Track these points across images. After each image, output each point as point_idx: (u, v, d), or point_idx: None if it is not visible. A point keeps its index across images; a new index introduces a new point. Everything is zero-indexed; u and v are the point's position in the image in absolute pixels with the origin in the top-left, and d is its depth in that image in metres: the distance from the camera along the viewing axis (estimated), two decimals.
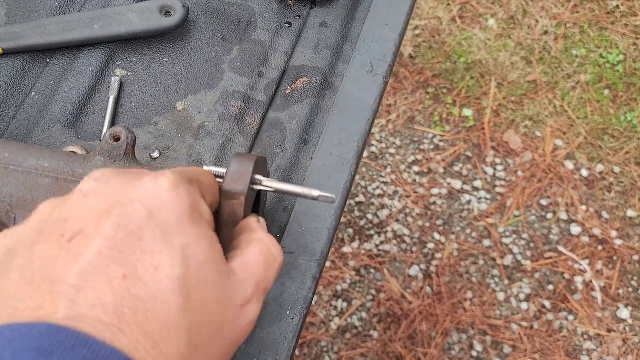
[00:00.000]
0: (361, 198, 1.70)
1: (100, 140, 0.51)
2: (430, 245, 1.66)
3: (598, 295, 1.63)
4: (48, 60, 0.55)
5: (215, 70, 0.57)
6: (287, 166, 0.53)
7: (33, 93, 0.54)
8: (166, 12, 0.56)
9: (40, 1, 0.57)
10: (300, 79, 0.57)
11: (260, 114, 0.55)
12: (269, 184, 0.38)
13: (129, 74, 0.56)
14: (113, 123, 0.53)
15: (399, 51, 0.59)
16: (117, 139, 0.42)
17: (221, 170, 0.38)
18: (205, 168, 0.38)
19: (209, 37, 0.58)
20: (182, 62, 0.57)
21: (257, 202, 0.44)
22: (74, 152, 0.49)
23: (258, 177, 0.38)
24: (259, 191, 0.41)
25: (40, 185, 0.40)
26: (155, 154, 0.53)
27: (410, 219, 1.69)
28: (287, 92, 0.56)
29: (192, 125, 0.54)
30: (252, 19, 0.59)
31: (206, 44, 0.57)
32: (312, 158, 0.54)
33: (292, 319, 0.47)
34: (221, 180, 0.37)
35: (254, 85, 0.56)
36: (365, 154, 1.75)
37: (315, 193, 0.38)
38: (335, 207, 0.52)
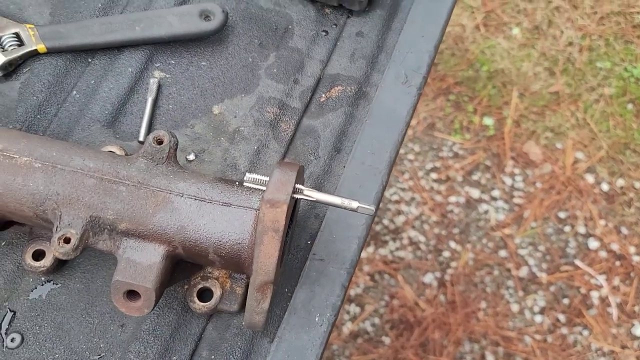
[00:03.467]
0: None
1: (139, 141, 0.52)
2: (446, 254, 1.67)
3: (614, 311, 1.63)
4: (90, 60, 0.57)
5: (251, 75, 0.58)
6: (319, 174, 0.55)
7: (74, 92, 0.55)
8: (206, 16, 0.57)
9: (84, 2, 0.58)
10: (335, 88, 0.58)
11: (294, 120, 0.56)
12: (309, 193, 0.39)
13: (167, 76, 0.57)
14: (151, 124, 0.54)
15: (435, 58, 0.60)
16: (160, 142, 0.44)
17: (263, 178, 0.39)
18: (248, 176, 0.39)
19: (246, 42, 0.59)
20: (220, 67, 0.58)
21: (292, 210, 0.46)
22: (113, 151, 0.50)
23: (299, 186, 0.39)
24: (297, 199, 0.42)
25: (85, 185, 0.41)
26: (191, 157, 0.54)
27: (426, 226, 1.69)
28: (321, 100, 0.57)
29: (227, 129, 0.55)
30: (290, 26, 0.60)
31: (243, 49, 0.59)
32: (344, 166, 0.55)
33: (321, 325, 0.49)
34: (264, 188, 0.38)
35: (289, 92, 0.57)
36: None
37: (355, 205, 0.39)
38: (366, 216, 0.53)
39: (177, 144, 0.44)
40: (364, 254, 1.65)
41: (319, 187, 0.54)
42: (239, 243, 0.41)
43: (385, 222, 1.69)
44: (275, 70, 0.58)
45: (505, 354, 1.58)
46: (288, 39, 0.59)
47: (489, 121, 1.81)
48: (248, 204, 0.41)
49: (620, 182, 1.76)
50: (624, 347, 1.60)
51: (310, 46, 0.59)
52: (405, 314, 1.60)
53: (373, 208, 0.39)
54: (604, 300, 1.64)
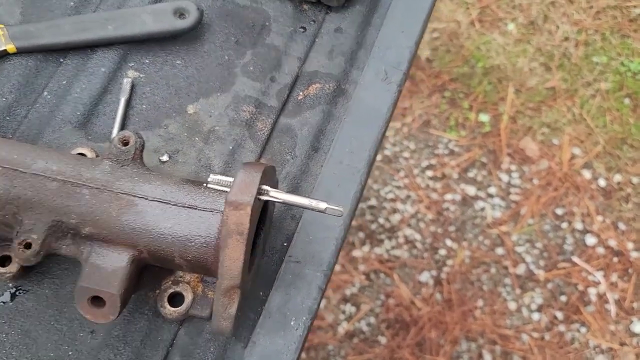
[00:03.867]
0: (373, 202, 1.69)
1: (110, 143, 0.51)
2: (442, 252, 1.65)
3: (612, 307, 1.61)
4: (61, 60, 0.55)
5: (227, 74, 0.56)
6: (296, 173, 0.53)
7: (45, 93, 0.54)
8: (180, 14, 0.56)
9: (56, 0, 0.57)
10: (313, 85, 0.56)
11: (271, 119, 0.55)
12: (276, 195, 0.38)
13: (141, 75, 0.56)
14: (123, 125, 0.53)
15: (416, 54, 0.59)
16: (125, 143, 0.42)
17: (228, 179, 0.38)
18: (212, 177, 0.38)
19: (222, 40, 0.58)
20: (195, 65, 0.57)
21: (263, 211, 0.44)
22: (84, 154, 0.49)
23: (265, 187, 0.38)
24: (266, 200, 0.41)
25: (47, 189, 0.40)
26: (165, 158, 0.52)
27: (422, 224, 1.68)
28: (299, 98, 0.56)
29: (202, 129, 0.54)
30: (267, 23, 0.58)
31: (219, 47, 0.57)
32: (322, 166, 0.53)
33: (297, 329, 0.47)
34: (228, 190, 0.37)
35: (266, 90, 0.56)
36: (379, 157, 1.74)
37: (323, 205, 0.38)
38: (344, 217, 0.52)
39: (143, 145, 0.43)
40: (359, 253, 1.63)
41: (296, 187, 0.53)
42: (205, 247, 0.40)
43: (381, 220, 1.68)
44: (251, 68, 0.56)
45: (503, 353, 1.56)
46: (265, 36, 0.58)
47: (484, 118, 1.80)
48: (214, 206, 0.39)
49: (618, 177, 1.74)
50: (622, 344, 1.58)
51: (287, 43, 0.58)
52: (401, 313, 1.59)
53: (341, 209, 0.38)
54: (601, 297, 1.62)
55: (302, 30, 0.58)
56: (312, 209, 0.38)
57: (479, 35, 1.90)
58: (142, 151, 0.42)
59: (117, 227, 0.40)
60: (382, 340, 1.56)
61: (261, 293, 0.49)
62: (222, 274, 0.37)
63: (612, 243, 1.67)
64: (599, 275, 1.64)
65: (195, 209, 0.40)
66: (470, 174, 1.74)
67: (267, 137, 0.54)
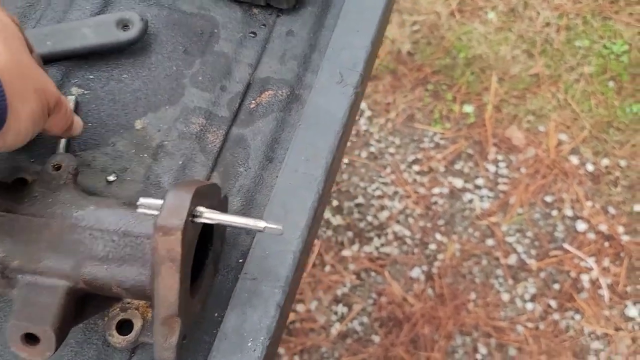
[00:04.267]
0: (360, 199, 1.67)
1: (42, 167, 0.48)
2: (432, 246, 1.63)
3: (605, 293, 1.59)
4: None
5: (176, 85, 0.54)
6: (250, 186, 0.51)
7: None
8: (124, 25, 0.53)
9: None
10: (266, 92, 0.54)
11: (222, 130, 0.52)
12: (210, 216, 0.35)
13: (85, 92, 0.53)
14: (68, 146, 0.50)
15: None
16: (57, 168, 0.40)
17: (157, 203, 0.35)
18: (141, 201, 0.35)
19: (169, 50, 0.55)
20: (142, 78, 0.54)
21: (210, 229, 0.42)
22: (25, 179, 0.46)
23: (199, 208, 0.36)
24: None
25: None
26: (112, 177, 0.50)
27: (411, 220, 1.65)
28: (251, 106, 0.53)
29: (150, 145, 0.51)
30: (215, 30, 0.56)
31: (167, 58, 0.55)
32: (277, 176, 0.51)
33: (254, 350, 0.45)
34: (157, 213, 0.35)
35: (216, 100, 0.53)
36: (364, 154, 1.72)
37: (261, 224, 0.35)
38: (302, 228, 0.49)
39: (76, 169, 0.40)
40: (348, 253, 1.61)
41: (250, 200, 0.50)
42: (142, 274, 0.37)
43: (369, 218, 1.66)
44: (200, 78, 0.54)
45: (498, 345, 1.54)
46: (214, 43, 0.55)
47: (469, 108, 1.77)
48: (149, 231, 0.37)
49: (605, 161, 1.72)
50: (617, 329, 1.56)
51: (237, 49, 0.55)
52: (394, 310, 1.56)
53: (281, 227, 0.35)
54: (594, 283, 1.60)
55: (252, 35, 0.56)
56: (251, 229, 0.36)
57: (459, 26, 1.88)
58: (75, 175, 0.40)
59: (48, 258, 0.37)
60: (376, 339, 1.54)
61: (216, 314, 0.47)
62: (158, 303, 0.35)
63: (603, 228, 1.65)
64: (591, 261, 1.62)
65: (130, 235, 0.37)
66: (457, 166, 1.72)
67: (219, 150, 0.51)
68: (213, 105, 0.53)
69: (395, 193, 1.68)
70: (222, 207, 0.45)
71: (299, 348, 1.51)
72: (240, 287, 0.47)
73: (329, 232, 1.62)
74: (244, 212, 0.50)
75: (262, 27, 0.56)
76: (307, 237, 0.49)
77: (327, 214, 1.64)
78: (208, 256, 0.43)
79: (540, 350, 1.52)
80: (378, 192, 1.68)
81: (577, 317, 1.56)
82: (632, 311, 1.57)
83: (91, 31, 0.53)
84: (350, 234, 1.63)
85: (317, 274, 1.58)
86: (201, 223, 0.36)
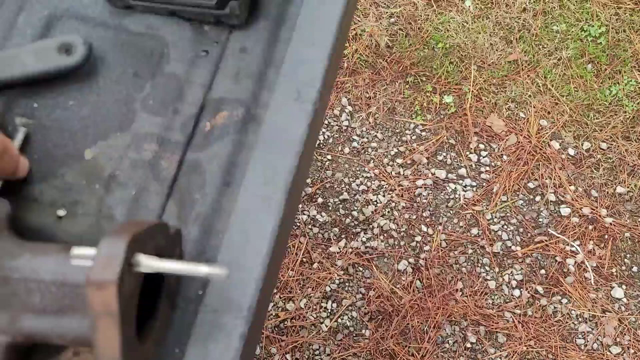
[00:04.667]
0: (345, 195, 1.64)
1: None
2: (418, 238, 1.61)
3: (591, 275, 1.58)
4: None
5: (126, 110, 0.50)
6: (208, 213, 0.48)
7: None
8: (66, 49, 0.50)
9: None
10: (220, 114, 0.51)
11: (177, 156, 0.49)
12: (149, 264, 0.32)
13: (30, 122, 0.50)
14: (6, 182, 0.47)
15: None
16: None
17: (91, 253, 0.32)
18: (74, 252, 0.32)
19: (118, 73, 0.52)
20: (90, 104, 0.51)
21: (159, 275, 0.39)
22: None
23: (138, 257, 0.33)
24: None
25: None
26: (62, 212, 0.47)
27: (396, 213, 1.63)
28: (206, 129, 0.50)
29: (102, 175, 0.48)
30: (165, 50, 0.52)
31: (115, 82, 0.51)
32: (235, 201, 0.48)
33: None
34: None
35: (169, 124, 0.50)
36: (347, 150, 1.69)
37: (204, 270, 0.32)
38: (263, 254, 0.46)
39: (8, 213, 0.37)
40: (335, 249, 1.59)
41: (208, 229, 0.47)
42: (83, 326, 0.34)
43: (355, 213, 1.63)
44: (151, 102, 0.51)
45: (487, 333, 1.53)
46: (164, 64, 0.52)
47: (449, 99, 1.74)
48: (82, 280, 0.34)
49: (586, 144, 1.70)
50: (605, 311, 1.55)
51: (189, 70, 0.52)
52: (383, 304, 1.55)
53: (224, 272, 0.32)
54: (580, 267, 1.58)
55: (204, 53, 0.52)
56: (195, 275, 0.33)
57: (436, 16, 1.84)
58: (8, 220, 0.37)
59: None
60: (367, 333, 1.52)
61: (177, 350, 0.44)
62: (100, 359, 0.32)
63: (587, 211, 1.64)
64: (576, 245, 1.61)
65: (69, 285, 0.34)
66: (440, 157, 1.70)
67: (173, 177, 0.48)
68: (166, 129, 0.50)
69: (380, 187, 1.66)
70: (174, 243, 0.42)
71: (290, 346, 1.49)
72: (201, 321, 0.44)
73: (315, 230, 1.60)
74: (201, 241, 0.47)
75: (215, 44, 0.53)
76: (269, 263, 0.47)
77: (313, 212, 1.61)
78: (162, 292, 0.40)
79: (529, 335, 1.51)
80: (362, 187, 1.65)
81: (564, 301, 1.55)
82: (618, 292, 1.55)
83: (32, 58, 0.49)
84: (336, 230, 1.61)
85: (305, 271, 1.56)
86: (140, 274, 0.34)
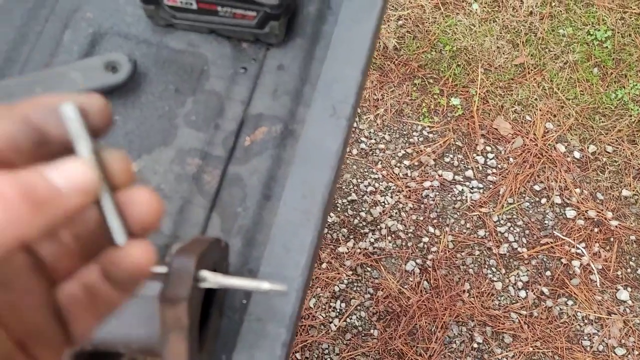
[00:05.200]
0: (353, 196, 1.67)
1: None
2: (425, 239, 1.64)
3: (596, 278, 1.61)
4: None
5: (169, 125, 0.53)
6: (249, 226, 0.50)
7: None
8: (112, 67, 0.52)
9: None
10: (259, 129, 0.53)
11: (219, 170, 0.52)
12: (214, 280, 0.35)
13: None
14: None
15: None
16: None
17: (162, 271, 0.35)
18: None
19: (160, 90, 0.54)
20: (134, 119, 0.53)
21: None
22: None
23: (203, 273, 0.35)
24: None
25: None
26: None
27: (403, 214, 1.66)
28: (246, 144, 0.53)
29: None
30: (205, 67, 0.55)
31: (158, 98, 0.54)
32: (275, 215, 0.50)
33: None
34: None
35: (210, 139, 0.53)
36: (355, 151, 1.71)
37: (266, 286, 0.35)
38: (302, 266, 0.49)
39: None
40: (343, 249, 1.61)
41: (250, 241, 0.50)
42: (150, 337, 0.37)
43: (363, 214, 1.66)
44: (193, 118, 0.53)
45: (494, 333, 1.56)
46: (204, 81, 0.54)
47: (456, 101, 1.77)
48: (155, 292, 0.37)
49: (592, 148, 1.73)
50: (610, 313, 1.58)
51: (229, 86, 0.54)
52: (391, 304, 1.57)
53: (285, 289, 0.35)
54: (585, 269, 1.62)
55: (242, 70, 0.55)
56: (255, 290, 0.35)
57: (444, 19, 1.87)
58: None
59: None
60: (375, 333, 1.55)
61: (224, 356, 0.47)
62: None
63: (592, 214, 1.67)
64: (581, 247, 1.64)
65: (140, 297, 0.37)
66: (447, 159, 1.72)
67: (216, 190, 0.51)
68: (208, 144, 0.52)
69: (387, 188, 1.69)
70: (224, 256, 0.45)
71: (299, 345, 1.52)
72: (246, 329, 0.47)
73: (324, 230, 1.63)
74: (244, 253, 0.50)
75: (252, 61, 0.55)
76: (307, 275, 0.49)
77: None
78: (213, 303, 0.43)
79: (535, 336, 1.54)
80: (370, 188, 1.68)
81: (570, 302, 1.58)
82: (623, 295, 1.59)
83: (80, 75, 0.52)
84: (344, 230, 1.63)
85: (315, 271, 1.59)
86: (203, 289, 0.36)
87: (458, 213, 1.66)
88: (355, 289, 1.59)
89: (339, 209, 1.65)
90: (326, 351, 1.54)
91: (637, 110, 1.75)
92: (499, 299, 1.59)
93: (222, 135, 0.53)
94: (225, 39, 0.56)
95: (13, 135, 0.24)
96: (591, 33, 1.84)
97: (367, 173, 1.70)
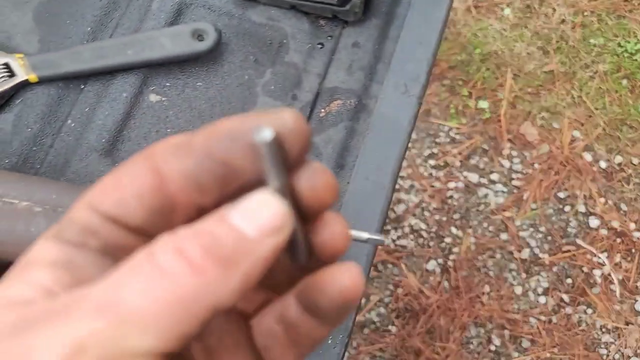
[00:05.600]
0: None
1: None
2: (448, 240, 1.67)
3: (616, 288, 1.64)
4: (82, 87, 0.55)
5: (248, 94, 0.56)
6: None
7: (69, 121, 0.54)
8: (198, 35, 0.56)
9: (73, 27, 0.57)
10: (334, 102, 0.57)
11: None
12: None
13: (163, 99, 0.56)
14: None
15: (433, 65, 0.59)
16: None
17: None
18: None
19: (241, 59, 0.58)
20: (216, 86, 0.57)
21: None
22: None
23: None
24: None
25: None
26: None
27: (427, 213, 1.69)
28: (321, 115, 0.56)
29: None
30: (284, 41, 0.58)
31: (239, 67, 0.57)
32: (348, 183, 0.54)
33: (334, 347, 0.48)
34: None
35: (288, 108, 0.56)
36: None
37: (365, 236, 0.38)
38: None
39: None
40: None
41: None
42: None
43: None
44: (272, 87, 0.57)
45: (511, 337, 1.58)
46: (283, 53, 0.58)
47: (484, 104, 1.80)
48: None
49: (618, 158, 1.76)
50: (628, 323, 1.61)
51: (306, 60, 0.58)
52: (410, 302, 1.60)
53: (383, 239, 0.38)
54: (606, 278, 1.64)
55: (319, 46, 0.58)
56: (355, 240, 0.39)
57: (475, 22, 1.90)
58: None
59: None
60: (393, 329, 1.58)
61: None
62: None
63: (615, 224, 1.69)
64: (603, 257, 1.66)
65: None
66: (472, 161, 1.75)
67: None
68: None
69: (412, 187, 1.72)
70: None
71: None
72: None
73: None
74: None
75: (329, 38, 0.59)
76: (375, 247, 0.53)
77: None
78: None
79: (553, 342, 1.57)
80: (395, 186, 1.71)
81: (589, 311, 1.61)
82: None
83: (168, 41, 0.55)
84: None
85: None
86: None
87: (481, 215, 1.69)
88: (375, 285, 1.62)
89: None
90: None
91: None
92: (518, 303, 1.62)
93: (299, 105, 0.56)
94: (304, 15, 0.59)
95: (194, 174, 0.21)
96: (622, 45, 1.87)
97: None
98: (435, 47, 0.58)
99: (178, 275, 0.17)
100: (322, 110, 0.56)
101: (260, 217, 0.19)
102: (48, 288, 0.19)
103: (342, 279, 0.21)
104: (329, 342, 0.48)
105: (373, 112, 0.56)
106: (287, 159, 0.19)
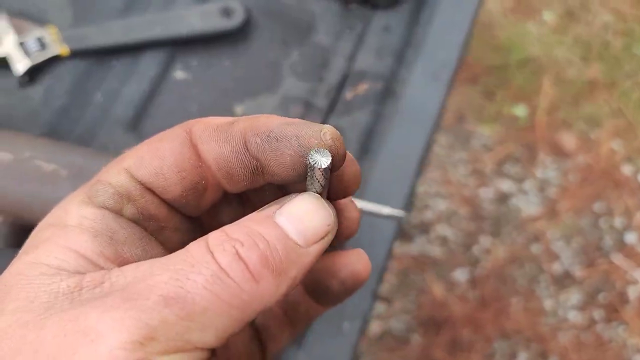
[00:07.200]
0: None
1: None
2: (476, 249, 1.65)
3: None
4: (112, 62, 0.57)
5: (275, 74, 0.57)
6: None
7: (98, 94, 0.55)
8: (227, 13, 0.57)
9: (106, 3, 0.58)
10: (362, 85, 0.57)
11: (320, 120, 0.56)
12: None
13: (189, 76, 0.57)
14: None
15: (464, 52, 0.59)
16: None
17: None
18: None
19: (269, 39, 0.59)
20: (242, 65, 0.58)
21: None
22: None
23: None
24: None
25: None
26: None
27: (455, 221, 1.67)
28: (348, 98, 0.57)
29: None
30: (313, 22, 0.59)
31: (266, 47, 0.58)
32: (373, 167, 0.54)
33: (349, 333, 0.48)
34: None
35: (314, 90, 0.57)
36: None
37: (386, 211, 0.39)
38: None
39: None
40: None
41: None
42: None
43: (413, 217, 1.68)
44: (299, 68, 0.57)
45: (539, 352, 1.56)
46: (312, 35, 0.59)
47: (519, 111, 1.78)
48: None
49: None
50: None
51: (334, 42, 0.58)
52: (434, 310, 1.59)
53: (403, 214, 0.38)
54: None
55: (348, 29, 0.59)
56: (375, 214, 0.39)
57: (512, 26, 1.89)
58: None
59: None
60: (415, 338, 1.57)
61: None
62: None
63: None
64: (637, 274, 1.63)
65: None
66: (505, 169, 1.73)
67: None
68: (312, 95, 0.56)
69: (441, 192, 1.71)
70: None
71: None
72: None
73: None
74: None
75: (359, 22, 0.59)
76: (397, 230, 0.53)
77: None
78: None
79: (583, 359, 1.54)
80: (423, 190, 1.70)
81: (621, 329, 1.57)
82: None
83: (197, 19, 0.56)
84: None
85: None
86: None
87: (512, 225, 1.67)
88: (399, 291, 1.61)
89: None
90: (363, 350, 1.56)
91: None
92: (547, 317, 1.59)
93: (326, 87, 0.57)
94: None
95: (229, 161, 0.22)
96: None
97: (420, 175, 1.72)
98: (467, 34, 0.59)
99: (239, 279, 0.18)
100: (349, 93, 0.57)
101: (310, 225, 0.20)
102: (92, 260, 0.20)
103: (354, 263, 0.22)
104: (345, 323, 0.48)
105: (401, 97, 0.56)
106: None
